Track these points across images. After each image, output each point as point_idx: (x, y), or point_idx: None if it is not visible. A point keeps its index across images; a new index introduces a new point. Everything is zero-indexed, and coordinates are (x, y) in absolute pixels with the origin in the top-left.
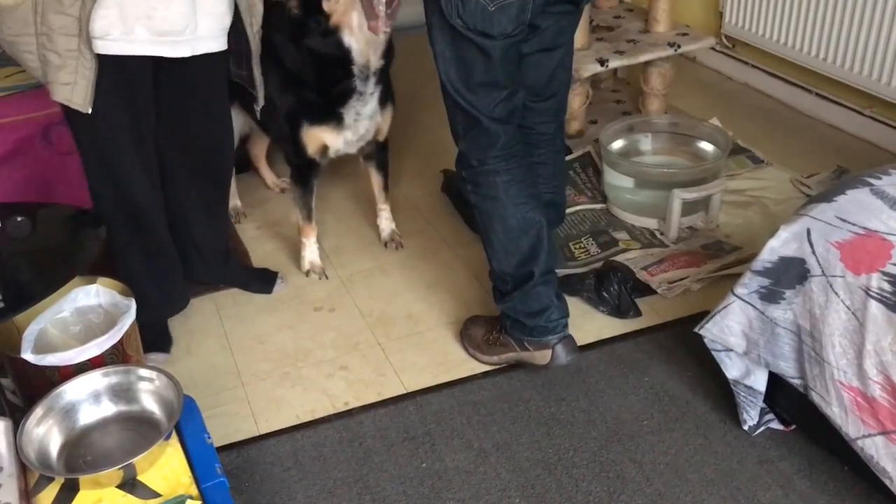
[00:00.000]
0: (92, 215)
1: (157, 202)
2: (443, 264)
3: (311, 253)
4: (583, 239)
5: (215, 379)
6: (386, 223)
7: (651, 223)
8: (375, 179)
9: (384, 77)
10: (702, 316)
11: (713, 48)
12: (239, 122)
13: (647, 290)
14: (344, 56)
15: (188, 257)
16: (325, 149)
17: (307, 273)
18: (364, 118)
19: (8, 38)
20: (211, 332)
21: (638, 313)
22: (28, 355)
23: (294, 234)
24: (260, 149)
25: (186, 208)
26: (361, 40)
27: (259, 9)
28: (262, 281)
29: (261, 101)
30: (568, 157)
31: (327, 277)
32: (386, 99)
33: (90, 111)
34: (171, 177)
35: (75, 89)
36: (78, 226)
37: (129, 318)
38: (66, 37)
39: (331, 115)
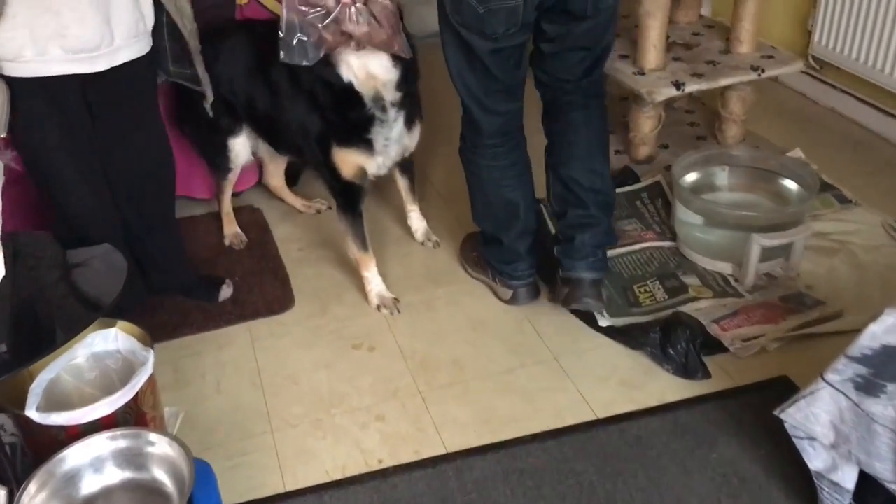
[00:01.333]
0: (113, 251)
1: (108, 219)
2: (492, 304)
3: (377, 286)
4: (649, 282)
5: (244, 422)
6: (418, 222)
7: (725, 267)
8: (402, 183)
9: (407, 101)
10: (779, 382)
11: None
12: (249, 146)
13: (717, 346)
14: (348, 88)
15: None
16: (362, 171)
17: (378, 308)
18: (393, 142)
19: None
20: (243, 367)
21: (706, 375)
22: (32, 413)
23: (340, 257)
24: (277, 178)
25: (130, 223)
26: (362, 76)
27: (188, 10)
28: (207, 288)
29: (209, 97)
30: (636, 186)
31: (399, 312)
32: (413, 119)
33: (4, 134)
34: (113, 191)
35: None
36: (99, 263)
37: (146, 372)
38: None
39: (358, 138)
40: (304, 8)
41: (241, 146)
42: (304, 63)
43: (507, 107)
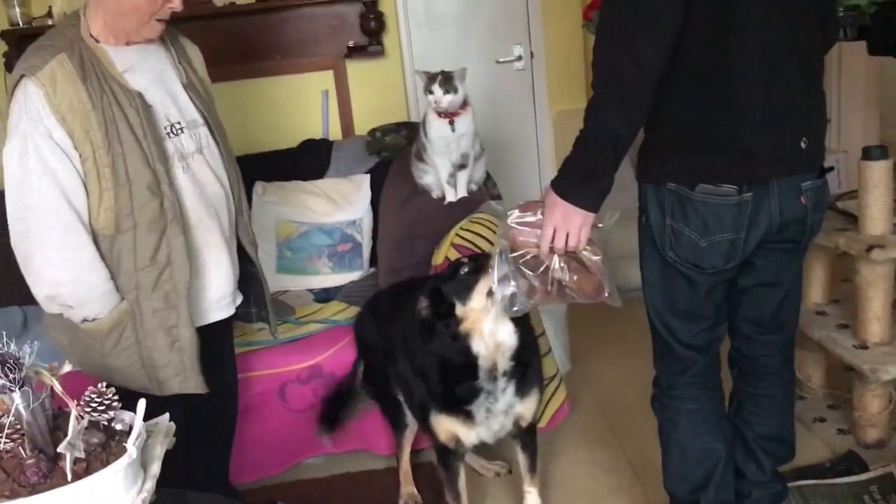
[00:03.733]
0: None
1: None
2: None
3: None
4: None
5: None
6: None
7: None
8: (521, 460)
9: (521, 369)
10: None
11: None
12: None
13: None
14: (470, 361)
15: None
16: (457, 439)
17: None
18: (497, 414)
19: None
20: None
21: None
22: None
23: None
24: None
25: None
26: (491, 345)
27: (255, 238)
28: None
29: (276, 335)
30: (863, 476)
31: None
32: (528, 386)
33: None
34: None
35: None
36: None
37: None
38: None
39: (458, 409)
40: (517, 253)
41: None
42: (514, 313)
43: (710, 339)
